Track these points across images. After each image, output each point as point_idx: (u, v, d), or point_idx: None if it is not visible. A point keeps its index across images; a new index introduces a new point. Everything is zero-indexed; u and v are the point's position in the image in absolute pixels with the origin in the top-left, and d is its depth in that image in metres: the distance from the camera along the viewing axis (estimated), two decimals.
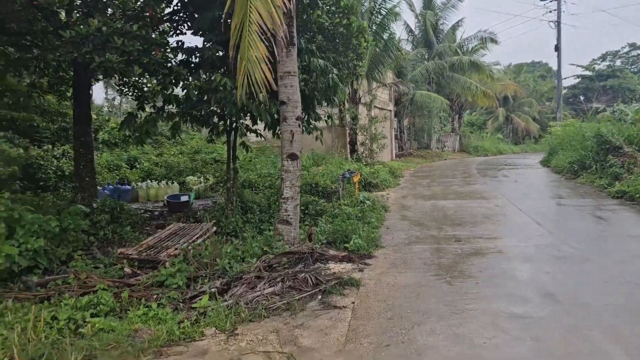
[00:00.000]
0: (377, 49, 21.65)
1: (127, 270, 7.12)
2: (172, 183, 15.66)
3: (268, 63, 6.62)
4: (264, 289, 6.11)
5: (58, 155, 15.58)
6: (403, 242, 9.13)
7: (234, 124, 11.58)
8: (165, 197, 13.40)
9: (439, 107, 37.39)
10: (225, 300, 5.71)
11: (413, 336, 4.77)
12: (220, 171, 17.00)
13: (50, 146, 15.86)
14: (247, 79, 6.54)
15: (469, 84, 35.75)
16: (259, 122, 11.62)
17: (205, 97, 10.67)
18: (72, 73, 11.81)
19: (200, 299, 5.66)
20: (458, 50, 38.93)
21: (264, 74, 6.48)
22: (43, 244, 6.76)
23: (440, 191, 16.58)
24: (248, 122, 11.84)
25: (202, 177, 16.48)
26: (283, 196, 8.35)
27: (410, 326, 5.02)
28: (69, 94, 13.24)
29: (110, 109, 26.11)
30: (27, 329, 4.62)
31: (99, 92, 43.57)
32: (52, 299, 5.72)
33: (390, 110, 31.68)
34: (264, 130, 12.01)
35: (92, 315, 5.19)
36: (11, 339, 4.41)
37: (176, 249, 7.54)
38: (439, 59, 36.13)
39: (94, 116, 14.75)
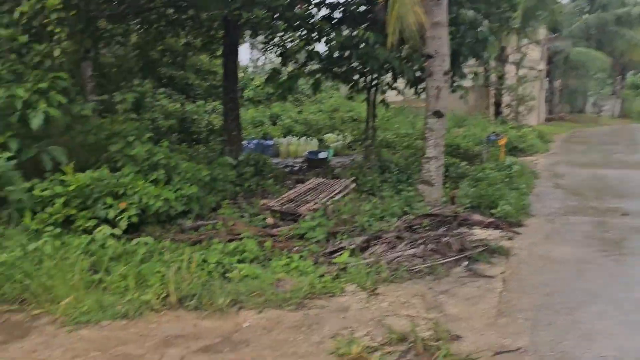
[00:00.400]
0: (531, 1, 19.59)
1: (269, 220, 7.32)
2: (311, 140, 15.94)
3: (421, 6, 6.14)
4: (405, 250, 5.85)
5: (209, 111, 16.63)
6: (557, 211, 8.23)
7: (375, 81, 11.28)
8: (306, 153, 13.66)
9: (598, 67, 33.23)
10: (365, 258, 5.57)
11: (578, 317, 4.20)
12: (358, 129, 16.89)
13: (202, 102, 16.97)
14: (399, 26, 6.13)
15: (637, 39, 31.10)
16: (399, 79, 11.20)
17: (347, 53, 10.49)
18: (222, 32, 12.30)
19: (340, 254, 5.58)
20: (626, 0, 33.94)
21: (417, 17, 6.02)
22: (196, 191, 7.17)
23: (599, 159, 14.79)
24: (389, 79, 11.46)
25: (340, 135, 16.54)
26: (426, 155, 7.93)
27: (573, 305, 4.43)
28: (219, 53, 13.88)
29: (254, 69, 27.28)
30: (181, 268, 4.89)
31: (244, 54, 46.11)
32: (203, 243, 6.04)
33: (540, 70, 28.87)
34: (405, 87, 11.56)
35: (238, 262, 5.36)
36: (168, 276, 4.70)
37: (316, 203, 7.58)
38: (602, 11, 31.83)
39: (240, 74, 15.39)
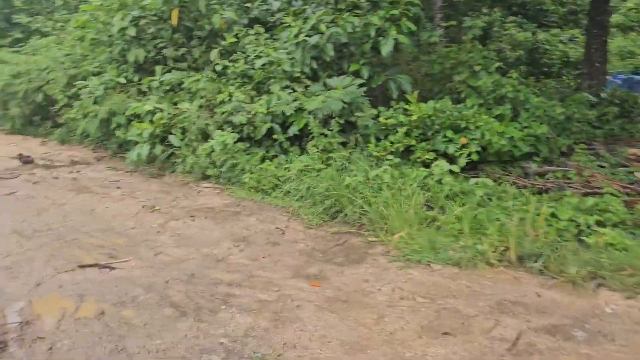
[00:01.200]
0: None
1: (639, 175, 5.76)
2: None
3: None
4: None
5: (565, 40, 14.50)
6: None
7: None
8: None
9: None
10: None
11: None
12: None
13: (557, 30, 14.90)
14: None
15: None
16: None
17: None
18: None
19: None
20: None
21: None
22: (546, 131, 6.14)
23: None
24: None
25: None
26: None
27: None
28: None
29: None
30: (525, 220, 4.13)
31: None
32: (551, 193, 5.11)
33: None
34: None
35: (598, 223, 4.25)
36: (508, 228, 4.03)
37: None
38: None
39: None
